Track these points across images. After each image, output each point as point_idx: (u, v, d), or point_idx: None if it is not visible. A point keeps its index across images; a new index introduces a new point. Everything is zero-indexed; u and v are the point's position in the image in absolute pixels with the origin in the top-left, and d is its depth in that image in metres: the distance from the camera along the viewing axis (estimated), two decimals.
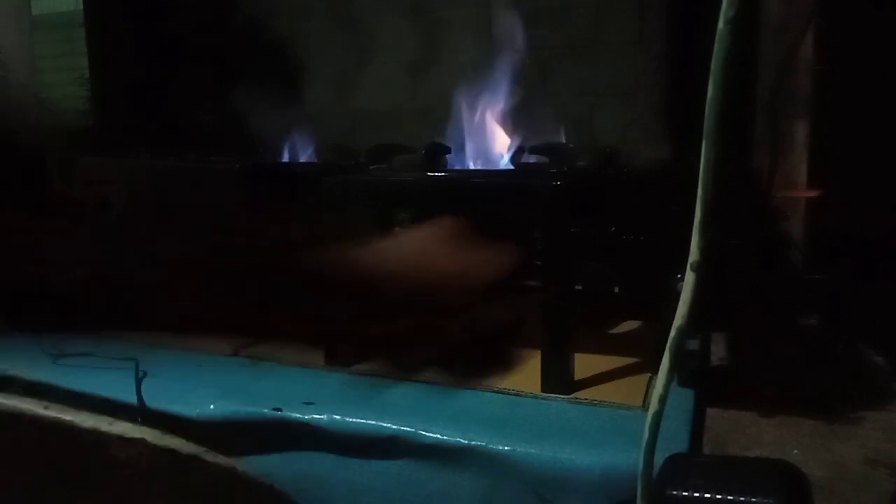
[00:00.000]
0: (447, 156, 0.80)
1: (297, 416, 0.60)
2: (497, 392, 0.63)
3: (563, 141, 0.84)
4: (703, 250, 0.36)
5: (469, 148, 0.84)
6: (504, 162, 0.82)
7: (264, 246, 0.41)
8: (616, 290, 0.80)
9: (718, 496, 0.38)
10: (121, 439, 0.62)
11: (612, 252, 0.71)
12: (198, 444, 0.61)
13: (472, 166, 0.83)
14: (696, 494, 0.38)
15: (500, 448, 0.54)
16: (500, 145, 0.84)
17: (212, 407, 0.62)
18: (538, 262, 0.72)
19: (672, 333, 0.37)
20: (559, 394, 0.62)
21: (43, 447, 0.67)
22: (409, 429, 0.57)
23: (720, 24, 0.32)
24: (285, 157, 1.05)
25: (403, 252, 0.39)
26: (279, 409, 0.60)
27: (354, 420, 0.58)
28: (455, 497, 0.55)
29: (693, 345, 0.69)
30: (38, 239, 0.39)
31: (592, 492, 0.51)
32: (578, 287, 0.67)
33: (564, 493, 0.52)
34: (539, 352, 0.63)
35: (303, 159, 1.05)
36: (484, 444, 0.54)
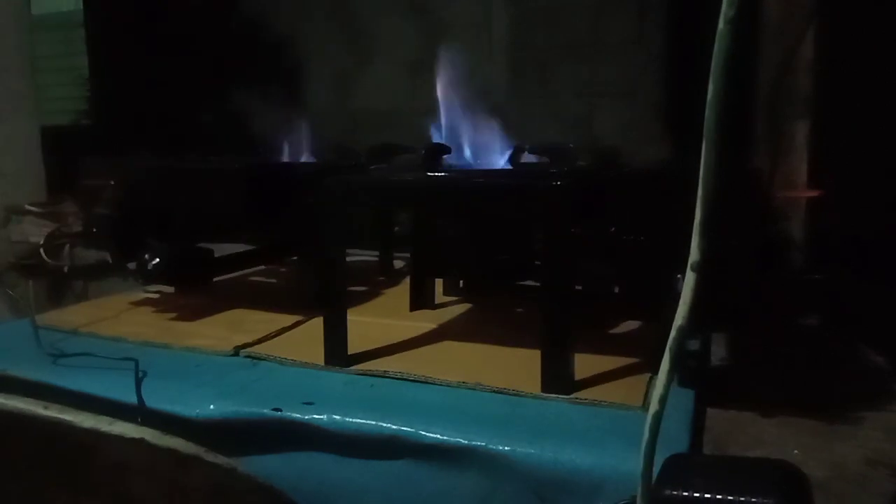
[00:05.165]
0: (446, 156, 0.80)
1: (297, 416, 0.60)
2: (497, 392, 0.63)
3: (563, 141, 0.84)
4: (704, 250, 0.36)
5: (468, 148, 0.84)
6: (503, 162, 0.82)
7: None
8: (616, 289, 0.80)
9: (718, 496, 0.37)
10: (121, 439, 0.62)
11: (612, 252, 0.71)
12: (198, 444, 0.61)
13: (471, 166, 0.83)
14: (696, 494, 0.38)
15: (500, 448, 0.54)
16: (500, 145, 0.84)
17: (212, 407, 0.62)
18: (538, 263, 0.72)
19: (672, 333, 0.37)
20: (559, 394, 0.62)
21: (43, 447, 0.67)
22: (409, 429, 0.57)
23: (720, 24, 0.32)
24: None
25: None
26: (279, 409, 0.60)
27: (354, 420, 0.58)
28: (455, 497, 0.55)
29: (693, 345, 0.70)
30: None
31: (592, 492, 0.51)
32: (578, 287, 0.67)
33: (564, 494, 0.52)
34: (539, 352, 0.63)
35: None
36: (484, 444, 0.54)
